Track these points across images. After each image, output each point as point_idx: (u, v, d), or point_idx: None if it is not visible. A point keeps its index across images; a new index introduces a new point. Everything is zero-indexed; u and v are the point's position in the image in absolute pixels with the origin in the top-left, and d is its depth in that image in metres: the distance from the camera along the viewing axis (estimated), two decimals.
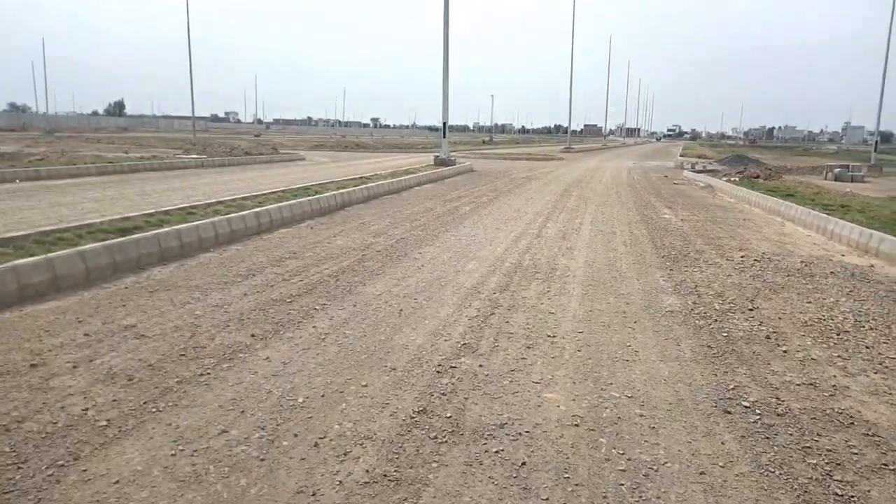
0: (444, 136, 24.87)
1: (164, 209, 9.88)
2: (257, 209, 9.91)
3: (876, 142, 33.41)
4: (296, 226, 10.66)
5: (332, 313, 5.74)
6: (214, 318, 5.49)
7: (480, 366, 4.56)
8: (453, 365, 4.55)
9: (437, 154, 25.11)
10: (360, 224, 10.93)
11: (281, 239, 9.38)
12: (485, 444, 3.44)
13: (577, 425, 3.68)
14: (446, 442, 3.45)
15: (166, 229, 7.79)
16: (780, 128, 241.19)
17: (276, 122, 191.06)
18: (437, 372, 4.41)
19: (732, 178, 22.84)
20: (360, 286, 6.73)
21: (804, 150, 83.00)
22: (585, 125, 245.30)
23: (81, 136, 50.79)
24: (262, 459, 3.21)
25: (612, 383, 4.33)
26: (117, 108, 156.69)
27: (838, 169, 27.66)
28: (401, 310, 5.91)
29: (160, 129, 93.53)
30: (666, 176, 26.52)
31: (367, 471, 3.12)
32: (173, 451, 3.27)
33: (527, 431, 3.59)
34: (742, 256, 8.86)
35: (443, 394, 4.06)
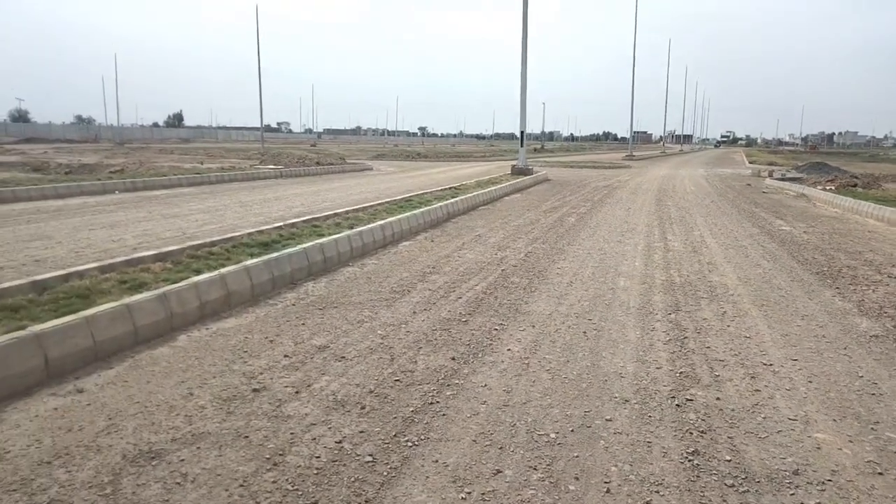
0: (522, 146, 24.57)
1: (289, 221, 9.81)
2: (381, 222, 9.75)
3: None
4: (414, 238, 10.46)
5: (516, 335, 5.46)
6: (401, 338, 5.28)
7: (717, 399, 4.21)
8: (688, 398, 4.21)
9: (514, 163, 24.77)
10: (476, 237, 10.68)
11: (409, 252, 9.19)
12: (793, 494, 3.08)
13: (881, 473, 3.29)
14: (749, 491, 3.11)
15: (311, 244, 7.67)
16: (839, 133, 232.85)
17: (326, 131, 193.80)
18: (677, 406, 4.07)
19: (828, 187, 21.82)
20: (524, 304, 6.45)
21: (871, 156, 79.63)
22: (635, 132, 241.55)
23: (150, 147, 52.29)
24: None
25: (877, 421, 3.91)
26: (176, 120, 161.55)
27: None
28: (584, 332, 5.60)
29: (219, 140, 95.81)
30: (749, 185, 25.58)
31: None
32: (462, 495, 3.01)
33: (829, 479, 3.21)
34: None
35: (701, 431, 3.72)
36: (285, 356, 4.81)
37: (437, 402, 4.04)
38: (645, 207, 16.03)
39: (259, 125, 54.23)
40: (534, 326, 5.72)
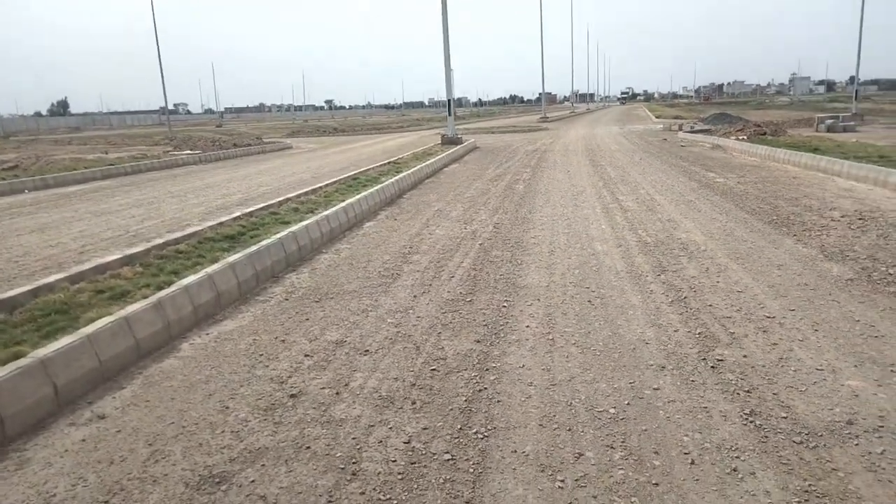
0: (451, 115, 24.39)
1: (246, 210, 9.36)
2: (342, 204, 9.48)
3: (856, 91, 34.04)
4: (375, 218, 10.25)
5: (526, 310, 5.47)
6: (415, 325, 5.17)
7: (745, 357, 4.38)
8: (718, 358, 4.36)
9: (444, 133, 24.62)
10: (436, 212, 10.58)
11: (378, 233, 9.00)
12: (857, 444, 3.25)
13: None
14: (818, 446, 3.26)
15: (285, 233, 7.35)
16: (728, 83, 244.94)
17: (228, 110, 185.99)
18: (712, 368, 4.20)
19: (741, 137, 22.97)
20: (518, 278, 6.46)
21: (758, 104, 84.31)
22: (539, 94, 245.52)
23: (41, 139, 48.53)
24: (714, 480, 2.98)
25: (893, 363, 4.18)
26: (61, 108, 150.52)
27: (830, 121, 28.14)
28: (588, 301, 5.68)
29: (114, 127, 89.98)
30: (665, 139, 26.59)
31: None
32: (557, 484, 3.00)
33: (880, 426, 3.41)
34: (842, 216, 8.84)
35: (746, 391, 3.87)
36: (306, 356, 4.61)
37: (485, 388, 3.98)
38: (582, 169, 16.35)
39: (156, 108, 50.95)
40: (538, 300, 5.72)
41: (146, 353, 4.67)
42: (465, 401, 3.81)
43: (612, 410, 3.65)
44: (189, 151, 25.97)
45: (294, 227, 7.66)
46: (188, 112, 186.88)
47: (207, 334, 5.13)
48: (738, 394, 3.82)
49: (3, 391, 3.48)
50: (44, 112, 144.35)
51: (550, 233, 8.57)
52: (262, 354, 4.66)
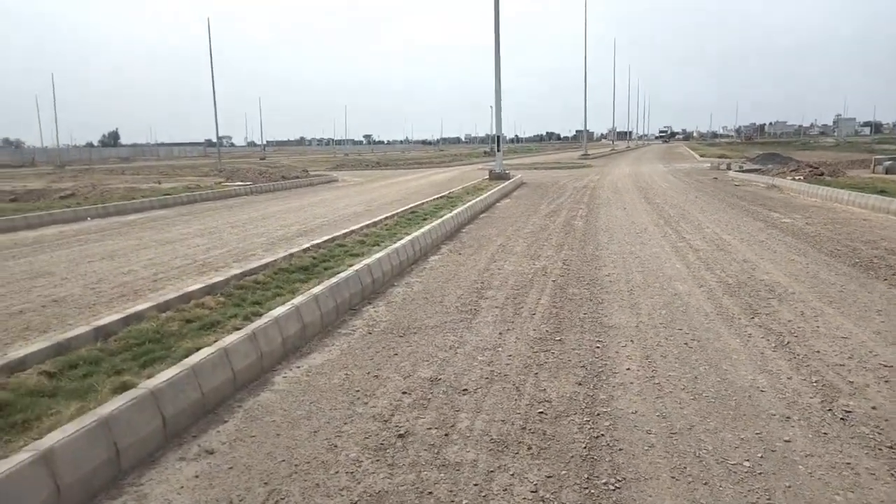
0: (499, 150, 24.46)
1: (314, 242, 9.36)
2: (409, 238, 9.43)
3: None
4: (438, 252, 10.16)
5: (622, 351, 5.27)
6: (508, 364, 5.01)
7: (873, 408, 4.09)
8: (845, 409, 4.08)
9: (491, 168, 24.66)
10: (499, 247, 10.46)
11: (445, 268, 8.89)
12: None
13: None
14: None
15: (360, 265, 7.30)
16: (770, 123, 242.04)
17: (270, 143, 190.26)
18: (842, 420, 3.94)
19: (797, 177, 22.48)
20: (603, 317, 6.26)
21: (802, 144, 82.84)
22: (577, 131, 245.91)
23: (95, 168, 50.14)
24: None
25: None
26: (112, 139, 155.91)
27: (888, 162, 27.37)
28: (685, 343, 5.45)
29: (161, 158, 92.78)
30: (716, 178, 26.21)
31: None
32: None
33: None
34: None
35: (889, 447, 3.58)
36: (403, 393, 4.47)
37: (602, 434, 3.78)
38: (639, 206, 16.12)
39: (200, 141, 52.18)
40: (631, 341, 5.52)
41: (242, 385, 4.60)
42: (585, 447, 3.62)
43: (746, 464, 3.41)
44: (240, 183, 26.46)
45: (368, 260, 7.61)
46: (232, 144, 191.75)
47: (298, 367, 5.04)
48: (880, 449, 3.54)
49: (119, 422, 3.42)
50: (95, 143, 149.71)
51: (623, 271, 8.36)
52: (358, 390, 4.54)
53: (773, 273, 8.05)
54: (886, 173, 26.27)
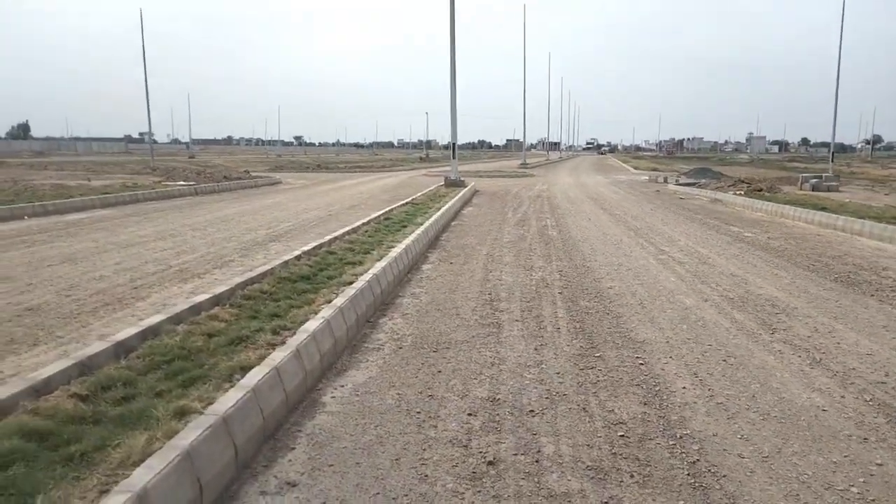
0: (454, 157, 24.40)
1: (305, 249, 8.94)
2: (402, 246, 9.17)
3: (832, 153, 35.40)
4: (427, 261, 9.94)
5: (667, 368, 5.23)
6: (563, 383, 4.87)
7: None
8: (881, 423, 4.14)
9: (447, 175, 24.56)
10: (487, 256, 10.35)
11: (442, 277, 8.69)
12: None
13: None
14: None
15: (369, 276, 6.99)
16: (688, 139, 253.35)
17: (195, 141, 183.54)
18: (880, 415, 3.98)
19: (738, 192, 23.47)
20: (630, 332, 6.23)
21: (720, 160, 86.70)
22: (508, 140, 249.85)
23: (8, 163, 46.85)
24: None
25: None
26: (22, 131, 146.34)
27: (814, 180, 29.04)
28: (724, 360, 5.47)
29: (79, 153, 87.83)
30: (658, 191, 27.07)
31: None
32: None
33: None
34: None
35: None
36: (469, 415, 4.25)
37: (698, 460, 3.69)
38: (602, 218, 16.37)
39: (119, 136, 49.59)
40: (671, 357, 5.49)
41: (292, 407, 4.26)
42: (688, 474, 3.51)
43: (853, 489, 3.39)
44: (182, 183, 25.28)
45: (374, 269, 7.31)
46: (154, 141, 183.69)
47: (343, 386, 4.73)
48: None
49: (200, 454, 3.05)
50: (1, 135, 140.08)
51: (622, 283, 8.39)
52: (419, 412, 4.28)
53: (766, 288, 8.24)
54: (813, 190, 27.81)
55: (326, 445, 3.78)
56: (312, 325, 5.04)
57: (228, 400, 3.53)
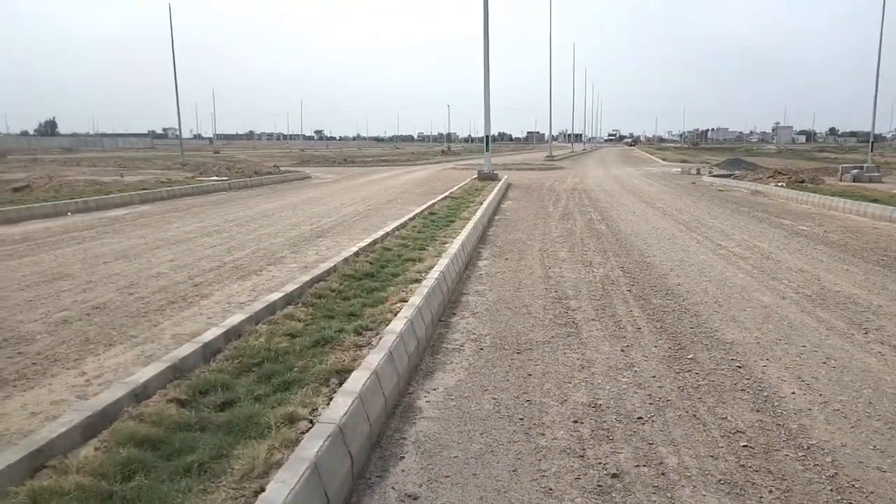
0: (488, 150, 24.12)
1: (361, 245, 8.78)
2: (458, 242, 8.98)
3: (871, 143, 34.57)
4: (481, 257, 9.75)
5: (769, 372, 4.97)
6: (662, 387, 4.66)
7: None
8: None
9: (481, 168, 24.32)
10: (540, 252, 10.15)
11: (501, 274, 8.50)
12: None
13: None
14: None
15: (436, 273, 6.81)
16: (713, 129, 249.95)
17: (217, 136, 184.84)
18: None
19: (779, 184, 22.94)
20: (715, 333, 6.01)
21: (747, 151, 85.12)
22: (528, 132, 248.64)
23: (42, 159, 47.38)
24: None
25: None
26: (49, 128, 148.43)
27: (855, 170, 28.32)
28: (823, 362, 5.19)
29: (106, 149, 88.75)
30: (693, 183, 26.55)
31: None
32: None
33: None
34: None
35: None
36: (575, 422, 4.06)
37: (836, 474, 3.46)
38: (647, 212, 16.05)
39: (144, 132, 49.80)
40: (768, 360, 5.25)
41: (390, 412, 4.09)
42: (831, 490, 3.28)
43: None
44: (216, 178, 25.33)
45: (439, 266, 7.13)
46: (177, 136, 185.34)
47: (434, 390, 4.55)
48: None
49: (324, 465, 2.88)
50: (30, 131, 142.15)
51: (689, 280, 8.12)
52: (521, 419, 4.09)
53: (841, 285, 7.93)
54: (854, 181, 27.14)
55: (436, 454, 3.60)
56: (398, 325, 4.87)
57: (340, 406, 3.37)
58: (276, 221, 13.82)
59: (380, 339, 4.69)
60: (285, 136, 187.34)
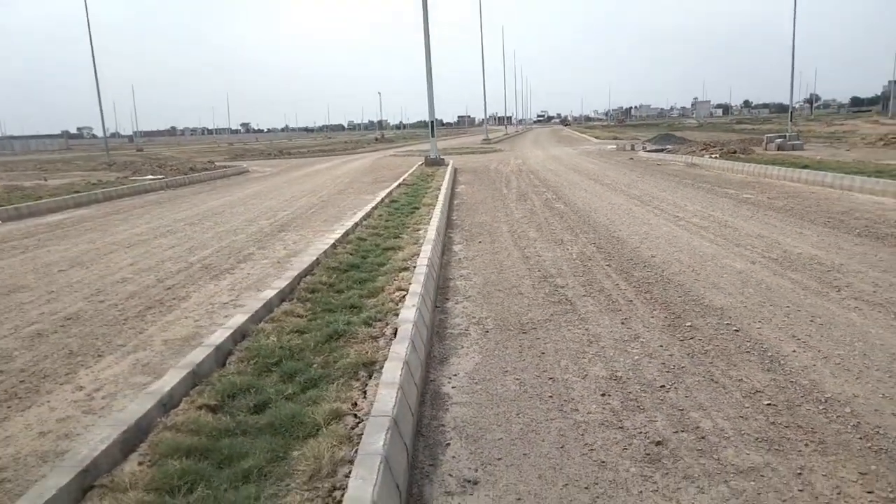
0: (433, 136, 24.03)
1: (336, 238, 8.63)
2: (433, 227, 8.95)
3: (791, 112, 36.37)
4: (454, 242, 9.76)
5: (765, 333, 5.18)
6: (672, 354, 4.78)
7: None
8: None
9: (427, 154, 24.24)
10: (510, 233, 10.23)
11: (479, 257, 8.54)
12: None
13: None
14: None
15: (425, 260, 6.78)
16: (636, 107, 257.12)
17: (136, 134, 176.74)
18: None
19: (713, 155, 23.85)
20: (702, 300, 6.19)
21: (668, 126, 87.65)
22: (459, 116, 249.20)
23: None
24: None
25: None
26: None
27: (778, 140, 29.67)
28: (811, 321, 5.46)
29: (17, 152, 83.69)
30: (631, 159, 27.30)
31: None
32: None
33: None
34: None
35: None
36: (602, 395, 4.17)
37: (859, 423, 3.68)
38: (597, 189, 16.39)
39: (56, 133, 47.11)
40: (761, 322, 5.49)
41: (420, 400, 4.06)
42: (861, 438, 3.47)
43: None
44: (151, 177, 24.31)
45: (426, 253, 7.10)
46: (93, 136, 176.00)
47: (455, 376, 4.56)
48: None
49: (391, 458, 2.84)
50: None
51: (661, 252, 8.38)
52: (551, 396, 4.15)
53: (800, 247, 8.34)
54: (778, 150, 28.45)
55: (480, 438, 3.61)
56: (409, 314, 4.83)
57: (387, 398, 3.32)
58: (230, 218, 13.41)
59: (393, 329, 4.63)
60: (210, 131, 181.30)
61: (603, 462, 3.31)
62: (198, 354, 4.12)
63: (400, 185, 16.38)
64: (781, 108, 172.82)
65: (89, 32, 33.96)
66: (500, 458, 3.37)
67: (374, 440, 2.88)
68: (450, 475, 3.22)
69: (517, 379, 4.44)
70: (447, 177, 17.83)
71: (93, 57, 34.53)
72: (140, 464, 2.97)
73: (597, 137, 53.35)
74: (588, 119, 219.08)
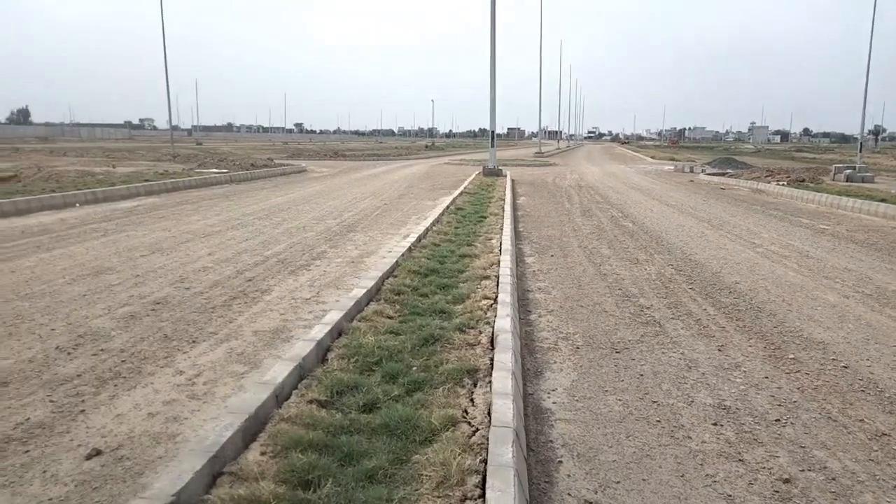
0: (493, 146, 23.97)
1: (410, 241, 8.60)
2: (506, 237, 8.84)
3: (861, 143, 35.15)
4: (525, 255, 9.63)
5: (876, 372, 4.91)
6: (780, 388, 4.56)
7: None
8: None
9: (485, 164, 24.19)
10: (581, 249, 10.05)
11: (554, 271, 8.39)
12: None
13: None
14: None
15: (507, 269, 6.67)
16: (690, 128, 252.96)
17: (195, 128, 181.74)
18: None
19: (781, 182, 23.18)
20: (799, 331, 5.92)
21: (725, 150, 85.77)
22: (509, 128, 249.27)
23: (22, 149, 46.24)
24: None
25: None
26: (22, 116, 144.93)
27: (848, 170, 28.70)
28: None
29: (83, 139, 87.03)
30: (692, 181, 26.74)
31: None
32: None
33: None
34: None
35: None
36: (714, 424, 3.96)
37: None
38: (661, 208, 16.07)
39: (119, 122, 48.68)
40: (869, 360, 5.23)
41: (521, 412, 3.95)
42: None
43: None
44: (216, 170, 24.87)
45: (505, 263, 7.00)
46: (154, 128, 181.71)
47: (553, 391, 4.44)
48: None
49: (519, 471, 2.73)
50: (1, 119, 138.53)
51: (743, 278, 8.11)
52: (658, 421, 3.99)
53: (894, 283, 7.94)
54: (847, 181, 27.53)
55: (592, 459, 3.48)
56: (505, 323, 4.74)
57: (504, 409, 3.24)
58: (297, 215, 13.56)
59: (488, 337, 4.55)
60: (265, 129, 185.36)
61: (730, 496, 3.16)
62: (302, 348, 4.10)
63: (462, 193, 16.34)
64: (843, 138, 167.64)
65: (162, 22, 35.00)
66: (618, 482, 3.24)
67: (503, 451, 2.80)
68: (569, 494, 3.11)
69: (619, 400, 4.30)
70: (508, 188, 17.73)
71: (165, 56, 35.63)
72: (262, 454, 2.94)
73: (652, 157, 52.51)
74: (640, 138, 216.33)
